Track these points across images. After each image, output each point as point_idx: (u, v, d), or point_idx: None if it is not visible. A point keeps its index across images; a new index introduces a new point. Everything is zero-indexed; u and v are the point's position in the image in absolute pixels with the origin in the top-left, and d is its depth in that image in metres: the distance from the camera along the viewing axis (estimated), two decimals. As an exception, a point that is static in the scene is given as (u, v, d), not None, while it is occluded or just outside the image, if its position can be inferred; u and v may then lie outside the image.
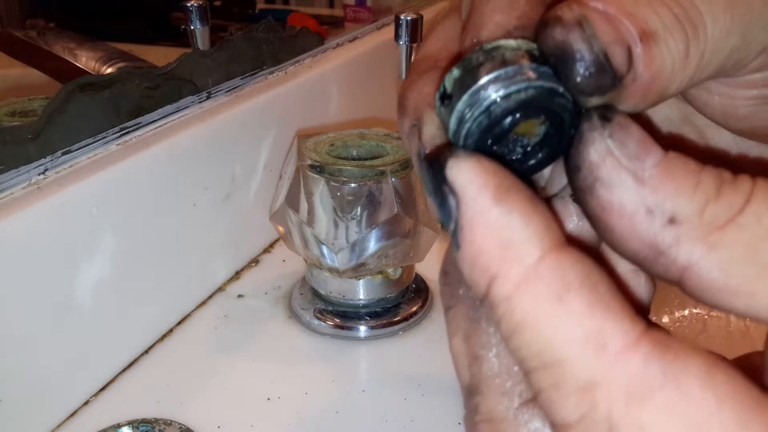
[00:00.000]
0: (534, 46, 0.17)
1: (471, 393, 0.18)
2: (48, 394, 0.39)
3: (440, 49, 0.21)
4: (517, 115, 0.17)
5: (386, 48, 0.73)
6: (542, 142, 0.18)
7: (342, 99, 0.67)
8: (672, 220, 0.15)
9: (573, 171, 0.16)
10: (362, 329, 0.48)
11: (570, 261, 0.15)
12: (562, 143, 0.17)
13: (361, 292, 0.48)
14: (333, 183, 0.44)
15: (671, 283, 0.16)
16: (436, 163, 0.16)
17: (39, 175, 0.39)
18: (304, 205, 0.45)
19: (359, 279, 0.48)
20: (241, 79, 0.56)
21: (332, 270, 0.46)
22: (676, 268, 0.15)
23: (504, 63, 0.16)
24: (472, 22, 0.19)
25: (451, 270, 0.19)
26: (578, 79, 0.16)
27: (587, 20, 0.16)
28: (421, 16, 0.53)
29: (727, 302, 0.15)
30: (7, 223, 0.35)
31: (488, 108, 0.16)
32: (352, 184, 0.44)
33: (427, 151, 0.18)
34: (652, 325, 0.15)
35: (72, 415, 0.41)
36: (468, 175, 0.15)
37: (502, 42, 0.17)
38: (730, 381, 0.14)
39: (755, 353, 0.20)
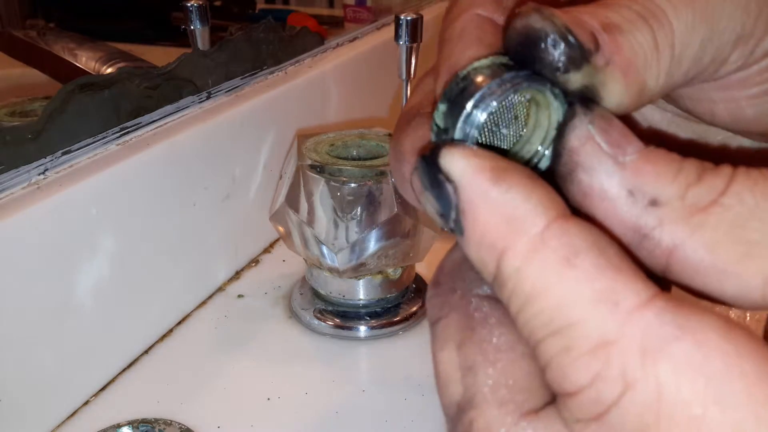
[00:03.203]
0: (506, 58, 0.17)
1: (463, 409, 0.17)
2: (48, 394, 0.39)
3: (421, 101, 0.21)
4: (510, 126, 0.17)
5: (386, 48, 0.73)
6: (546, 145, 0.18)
7: (342, 99, 0.67)
8: (654, 202, 0.15)
9: (555, 158, 0.17)
10: (362, 329, 0.48)
11: (576, 228, 0.15)
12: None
13: (361, 292, 0.48)
14: (333, 183, 0.44)
15: (660, 272, 0.16)
16: (429, 157, 0.16)
17: (39, 175, 0.39)
18: (304, 205, 0.45)
19: (359, 279, 0.48)
20: (241, 79, 0.56)
21: (332, 270, 0.46)
22: (661, 251, 0.15)
23: (484, 81, 0.17)
24: (447, 61, 0.19)
25: (443, 280, 0.18)
26: (547, 54, 0.16)
27: (545, 8, 0.16)
28: (421, 16, 0.53)
29: (716, 284, 0.15)
30: (7, 223, 0.35)
31: (481, 128, 0.17)
32: (352, 184, 0.44)
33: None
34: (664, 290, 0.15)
35: (72, 415, 0.41)
36: (463, 161, 0.16)
37: (476, 64, 0.17)
38: (748, 336, 0.14)
39: None
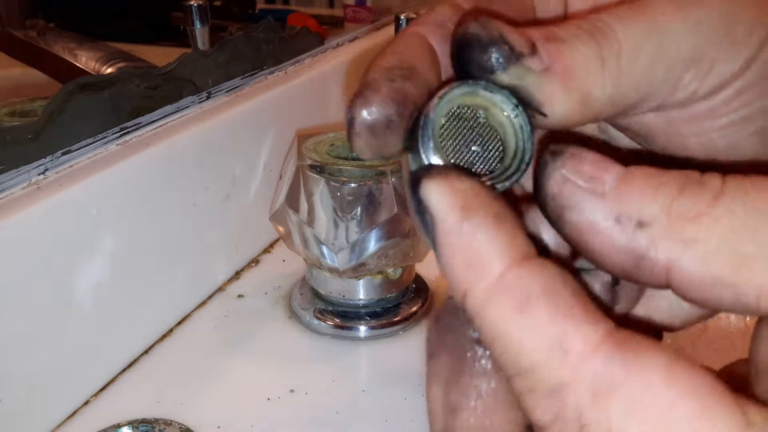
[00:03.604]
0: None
1: None
2: (48, 394, 0.39)
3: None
4: (480, 142, 0.18)
5: (386, 48, 0.73)
6: (501, 155, 0.19)
7: (342, 99, 0.67)
8: (641, 223, 0.15)
9: (543, 209, 0.17)
10: (362, 329, 0.48)
11: (532, 272, 0.15)
12: (521, 152, 0.18)
13: (361, 292, 0.48)
14: (333, 183, 0.44)
15: (664, 288, 0.16)
16: (412, 186, 0.17)
17: (39, 175, 0.39)
18: (304, 205, 0.45)
19: (359, 279, 0.48)
20: (241, 79, 0.56)
21: (332, 270, 0.46)
22: (659, 270, 0.15)
23: (428, 107, 0.18)
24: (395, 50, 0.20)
25: (443, 315, 0.19)
26: (477, 56, 0.17)
27: (484, 18, 0.17)
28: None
29: (715, 296, 0.15)
30: (7, 223, 0.35)
31: (437, 148, 0.18)
32: (352, 184, 0.44)
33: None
34: (618, 327, 0.15)
35: (72, 415, 0.41)
36: (436, 197, 0.16)
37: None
38: (690, 374, 0.14)
39: (740, 361, 0.20)
